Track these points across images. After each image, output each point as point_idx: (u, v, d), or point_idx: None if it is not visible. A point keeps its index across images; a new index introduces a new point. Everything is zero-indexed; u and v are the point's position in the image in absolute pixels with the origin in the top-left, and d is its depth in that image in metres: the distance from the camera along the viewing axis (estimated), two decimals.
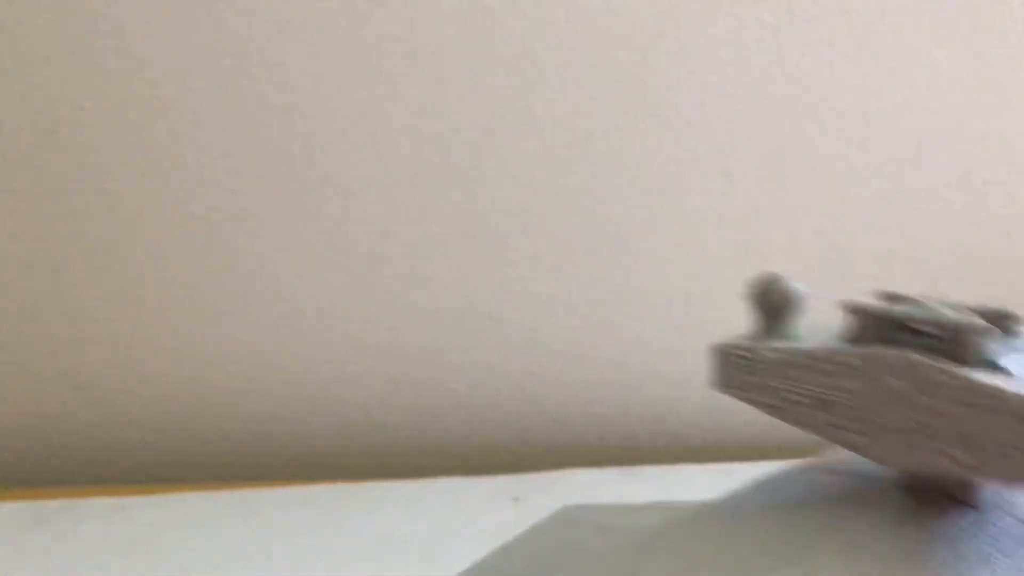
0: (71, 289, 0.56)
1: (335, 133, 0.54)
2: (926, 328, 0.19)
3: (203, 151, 0.54)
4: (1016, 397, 0.17)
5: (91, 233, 0.55)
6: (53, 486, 0.55)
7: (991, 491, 0.19)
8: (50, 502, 0.49)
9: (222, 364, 0.57)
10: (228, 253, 0.56)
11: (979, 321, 0.18)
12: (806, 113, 0.54)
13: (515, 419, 0.57)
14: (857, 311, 0.20)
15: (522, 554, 0.21)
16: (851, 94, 0.54)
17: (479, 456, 0.57)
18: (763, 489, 0.21)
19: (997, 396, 0.17)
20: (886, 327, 0.19)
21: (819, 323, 0.22)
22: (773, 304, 0.22)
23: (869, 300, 0.20)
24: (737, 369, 0.22)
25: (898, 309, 0.19)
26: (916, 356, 0.18)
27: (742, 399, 0.22)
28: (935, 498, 0.19)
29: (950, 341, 0.18)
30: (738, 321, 0.61)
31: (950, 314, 0.19)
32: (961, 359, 0.18)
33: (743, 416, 0.58)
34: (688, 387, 0.53)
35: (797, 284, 0.21)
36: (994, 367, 0.18)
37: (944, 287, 0.56)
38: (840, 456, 0.22)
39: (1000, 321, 0.19)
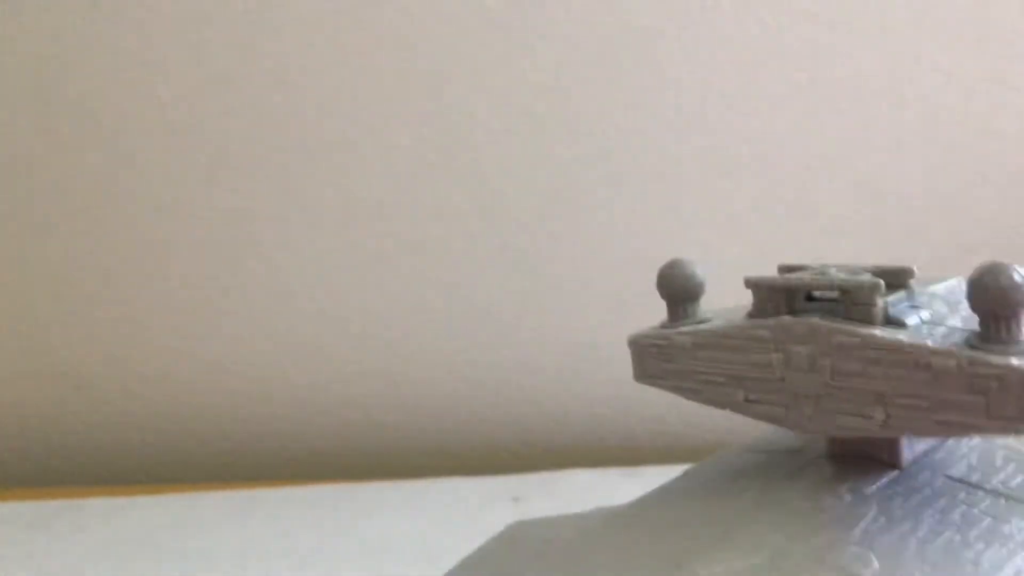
0: (71, 289, 0.56)
1: (335, 133, 0.54)
2: (825, 294, 0.19)
3: (203, 151, 0.54)
4: (915, 346, 0.17)
5: (91, 233, 0.55)
6: (53, 486, 0.55)
7: (914, 450, 0.20)
8: (50, 502, 0.49)
9: (222, 364, 0.57)
10: (228, 253, 0.56)
11: (871, 279, 0.18)
12: (806, 113, 0.54)
13: (515, 419, 0.57)
14: (759, 286, 0.20)
15: (472, 573, 0.21)
16: (851, 94, 0.54)
17: (479, 456, 0.57)
18: (694, 475, 0.22)
19: (897, 348, 0.17)
20: (789, 298, 0.20)
21: (727, 305, 0.22)
22: (677, 289, 0.22)
23: (769, 275, 0.21)
24: (653, 359, 0.22)
25: (795, 278, 0.20)
26: (818, 320, 0.18)
27: (662, 387, 0.22)
28: (859, 462, 0.19)
29: (848, 303, 0.18)
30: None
31: (844, 277, 0.19)
32: (861, 319, 0.18)
33: (743, 416, 0.58)
34: None
35: (696, 267, 0.21)
36: (893, 322, 0.18)
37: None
38: (764, 436, 0.22)
39: (895, 278, 0.19)
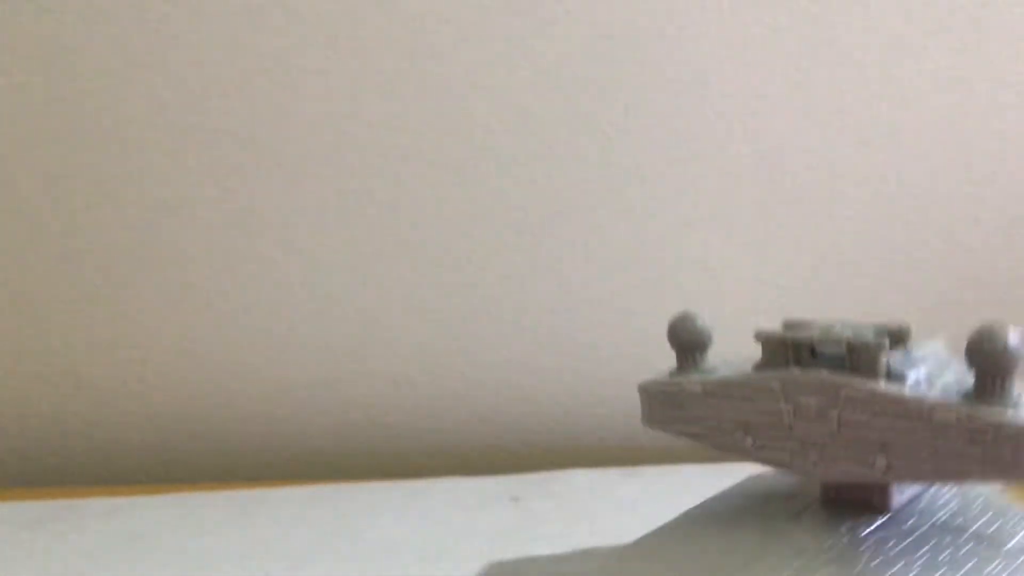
0: (71, 289, 0.56)
1: (335, 133, 0.54)
2: (831, 349, 0.21)
3: (203, 151, 0.54)
4: (917, 400, 0.19)
5: (91, 233, 0.55)
6: (53, 486, 0.55)
7: (902, 497, 0.21)
8: (50, 502, 0.49)
9: (222, 364, 0.57)
10: (228, 253, 0.56)
11: (876, 339, 0.20)
12: (806, 112, 0.54)
13: (515, 419, 0.57)
14: (769, 339, 0.22)
15: None
16: (850, 93, 0.54)
17: (479, 456, 0.57)
18: (693, 517, 0.23)
19: (900, 401, 0.19)
20: (795, 351, 0.21)
21: (732, 355, 0.23)
22: (686, 341, 0.23)
23: (776, 329, 0.22)
24: (663, 405, 0.23)
25: (805, 334, 0.21)
26: (827, 375, 0.20)
27: (669, 431, 0.24)
28: (852, 507, 0.21)
29: (854, 358, 0.20)
30: (738, 321, 0.61)
31: (851, 335, 0.21)
32: (864, 373, 0.20)
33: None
34: None
35: (704, 319, 0.23)
36: (895, 377, 0.20)
37: (943, 286, 0.56)
38: (752, 480, 0.24)
39: (895, 335, 0.21)
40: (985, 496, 0.22)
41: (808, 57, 0.54)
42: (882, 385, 0.19)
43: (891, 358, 0.20)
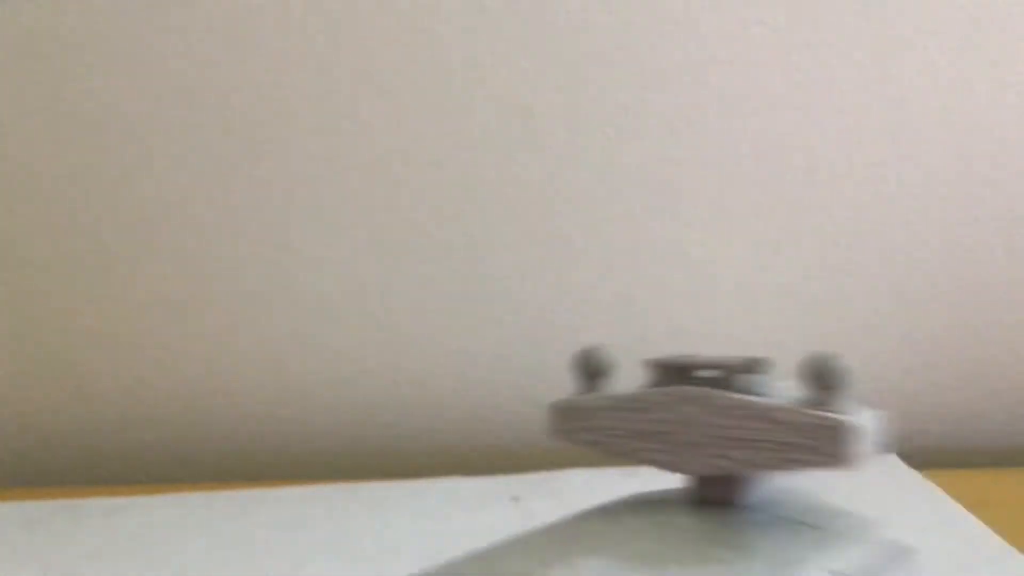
0: (70, 289, 0.56)
1: (335, 133, 0.54)
2: (706, 371, 0.27)
3: (203, 152, 0.55)
4: (762, 404, 0.25)
5: (91, 233, 0.55)
6: (52, 486, 0.55)
7: (753, 496, 0.27)
8: (49, 502, 0.49)
9: (222, 364, 0.57)
10: (228, 254, 0.56)
11: (745, 361, 0.26)
12: (806, 112, 0.55)
13: (515, 419, 0.57)
14: (657, 364, 0.28)
15: None
16: (850, 93, 0.55)
17: (479, 456, 0.57)
18: (598, 510, 0.30)
19: (751, 407, 0.25)
20: (677, 373, 0.27)
21: (623, 382, 0.29)
22: (592, 369, 0.29)
23: (663, 357, 0.28)
24: (569, 419, 0.29)
25: (685, 357, 0.28)
26: (707, 389, 0.26)
27: (572, 441, 0.29)
28: (716, 504, 0.27)
29: (724, 378, 0.26)
30: (738, 320, 0.61)
31: (722, 359, 0.27)
32: (737, 389, 0.26)
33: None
34: None
35: (609, 353, 0.29)
36: (754, 392, 0.26)
37: (944, 285, 0.56)
38: (644, 492, 0.30)
39: (756, 364, 0.27)
40: (820, 499, 0.29)
41: (808, 57, 0.54)
42: (744, 397, 0.26)
43: (752, 380, 0.26)
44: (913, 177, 0.55)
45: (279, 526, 0.45)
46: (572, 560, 0.24)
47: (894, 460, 0.51)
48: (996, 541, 0.40)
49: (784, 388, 0.27)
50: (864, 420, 0.24)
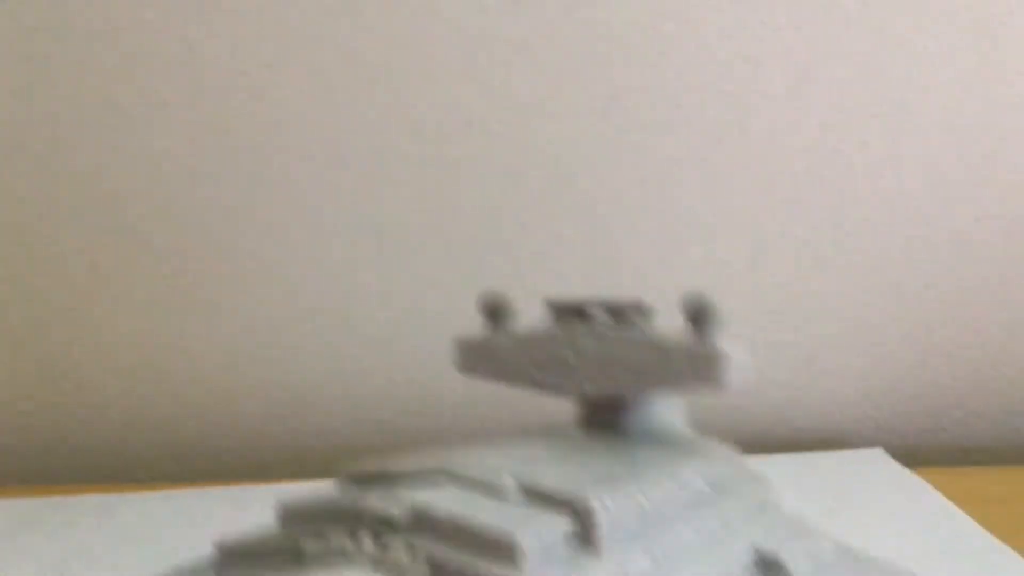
0: (70, 289, 0.56)
1: (335, 132, 0.55)
2: (597, 310, 0.30)
3: (202, 151, 0.55)
4: (649, 336, 0.28)
5: (90, 233, 0.55)
6: (50, 484, 0.55)
7: (638, 420, 0.31)
8: (46, 500, 0.49)
9: (221, 363, 0.57)
10: (227, 253, 0.56)
11: (631, 303, 0.29)
12: (806, 112, 0.55)
13: (515, 419, 0.57)
14: (555, 304, 0.31)
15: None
16: (850, 93, 0.55)
17: None
18: (505, 436, 0.31)
19: (642, 337, 0.28)
20: (570, 313, 0.30)
21: (525, 322, 0.32)
22: (494, 309, 0.32)
23: (561, 298, 0.31)
24: (474, 355, 0.32)
25: (577, 299, 0.30)
26: (598, 324, 0.29)
27: (479, 376, 0.32)
28: (602, 428, 0.31)
29: (616, 317, 0.29)
30: (738, 319, 0.61)
31: (609, 301, 0.30)
32: (620, 323, 0.29)
33: (742, 414, 0.58)
34: None
35: (507, 295, 0.32)
36: (642, 329, 0.29)
37: (942, 284, 0.57)
38: (540, 424, 0.33)
39: (642, 309, 0.29)
40: (685, 425, 0.32)
41: (808, 57, 0.54)
42: (634, 331, 0.29)
43: (638, 318, 0.29)
44: (913, 177, 0.56)
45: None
46: (472, 452, 0.27)
47: (883, 456, 0.52)
48: (986, 537, 0.41)
49: (667, 328, 0.30)
50: (734, 350, 0.27)
